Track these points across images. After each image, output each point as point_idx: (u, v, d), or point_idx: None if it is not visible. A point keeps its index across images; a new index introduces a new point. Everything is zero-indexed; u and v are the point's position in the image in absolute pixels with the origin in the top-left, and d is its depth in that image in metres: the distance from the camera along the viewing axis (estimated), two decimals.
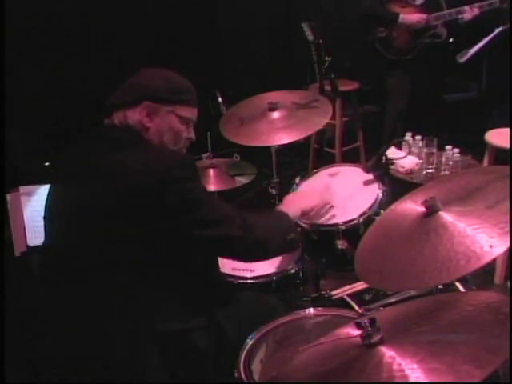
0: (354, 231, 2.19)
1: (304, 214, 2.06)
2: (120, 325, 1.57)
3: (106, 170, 1.62)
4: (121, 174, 1.59)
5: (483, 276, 2.90)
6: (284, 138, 2.40)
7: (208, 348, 1.68)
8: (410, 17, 3.98)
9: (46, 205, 1.76)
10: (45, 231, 1.75)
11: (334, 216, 2.17)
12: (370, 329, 1.13)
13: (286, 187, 2.61)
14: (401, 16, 3.99)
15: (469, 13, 3.87)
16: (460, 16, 3.89)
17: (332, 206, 2.20)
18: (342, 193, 2.36)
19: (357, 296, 2.22)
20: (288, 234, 1.87)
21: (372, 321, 1.13)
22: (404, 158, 2.76)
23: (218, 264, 1.83)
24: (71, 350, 1.60)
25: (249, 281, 2.04)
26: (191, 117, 1.78)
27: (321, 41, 3.13)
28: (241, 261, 1.88)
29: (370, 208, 2.22)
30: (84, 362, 1.59)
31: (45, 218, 1.75)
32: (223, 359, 1.67)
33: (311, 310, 1.75)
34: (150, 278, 1.59)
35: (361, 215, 2.20)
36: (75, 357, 1.59)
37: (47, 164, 2.61)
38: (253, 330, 1.67)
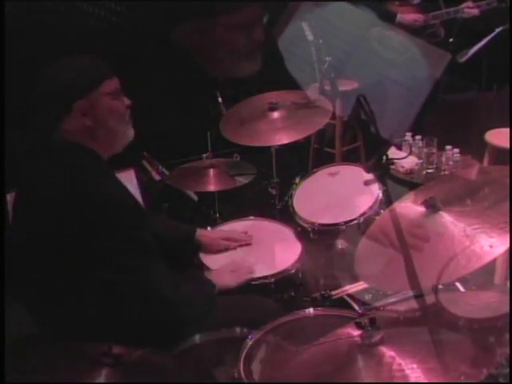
0: (354, 231, 2.19)
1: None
2: None
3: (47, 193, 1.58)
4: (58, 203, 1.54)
5: (483, 276, 2.89)
6: (284, 138, 2.40)
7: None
8: (408, 16, 3.99)
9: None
10: None
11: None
12: (370, 329, 1.13)
13: (286, 187, 2.61)
14: (398, 15, 4.00)
15: (468, 11, 3.89)
16: (459, 14, 3.91)
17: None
18: (342, 193, 2.36)
19: (357, 296, 2.21)
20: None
21: (372, 321, 1.14)
22: (404, 158, 2.76)
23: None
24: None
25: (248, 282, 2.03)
26: (116, 86, 1.61)
27: (321, 41, 3.12)
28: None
29: (370, 208, 2.22)
30: None
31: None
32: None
33: (311, 310, 1.75)
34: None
35: (361, 215, 2.20)
36: None
37: None
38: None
